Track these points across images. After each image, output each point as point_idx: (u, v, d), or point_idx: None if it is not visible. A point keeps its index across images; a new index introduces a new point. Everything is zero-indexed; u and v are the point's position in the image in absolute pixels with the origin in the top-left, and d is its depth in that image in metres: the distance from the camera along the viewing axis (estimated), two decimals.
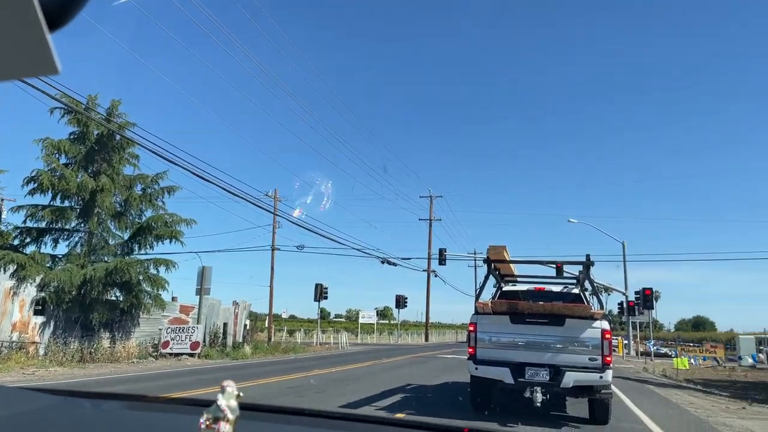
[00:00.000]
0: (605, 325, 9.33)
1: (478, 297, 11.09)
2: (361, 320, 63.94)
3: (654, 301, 33.58)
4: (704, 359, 33.79)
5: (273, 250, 38.34)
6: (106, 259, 21.16)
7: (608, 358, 9.14)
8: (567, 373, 9.07)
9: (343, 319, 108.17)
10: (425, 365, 22.58)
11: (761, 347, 37.72)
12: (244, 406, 2.31)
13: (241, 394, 1.47)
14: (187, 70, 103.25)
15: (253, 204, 24.07)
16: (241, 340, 26.44)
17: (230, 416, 1.39)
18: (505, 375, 9.31)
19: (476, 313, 9.97)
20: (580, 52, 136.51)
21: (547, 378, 9.17)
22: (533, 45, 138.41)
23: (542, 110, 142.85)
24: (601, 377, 9.04)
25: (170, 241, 22.35)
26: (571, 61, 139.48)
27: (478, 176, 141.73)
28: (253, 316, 36.05)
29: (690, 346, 44.99)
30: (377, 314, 73.73)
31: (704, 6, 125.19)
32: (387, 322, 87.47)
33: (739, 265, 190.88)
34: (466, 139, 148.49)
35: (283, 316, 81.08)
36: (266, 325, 40.21)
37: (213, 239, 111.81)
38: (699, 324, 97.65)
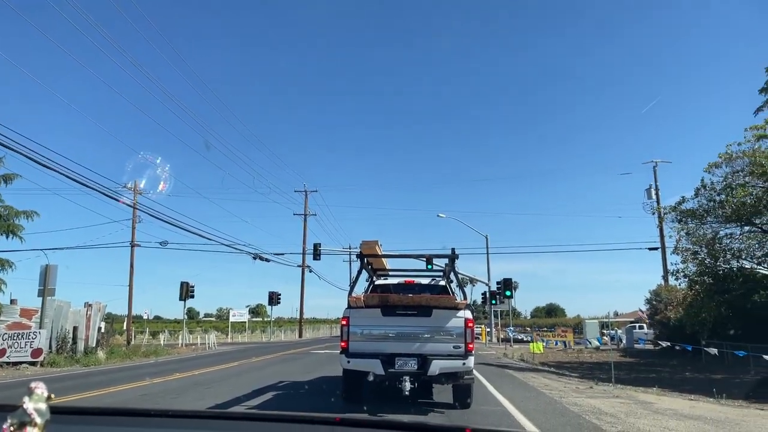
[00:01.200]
0: (468, 314, 9.79)
1: (351, 291, 11.17)
2: (231, 319, 62.11)
3: (513, 291, 36.14)
4: (556, 343, 37.04)
5: (132, 246, 35.86)
6: None
7: (471, 346, 9.62)
8: (433, 361, 9.39)
9: (213, 319, 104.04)
10: (298, 362, 22.31)
11: (604, 330, 42.13)
12: (105, 411, 2.04)
13: (53, 396, 1.26)
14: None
15: (108, 197, 22.21)
16: (94, 345, 24.28)
17: (38, 421, 1.21)
18: (375, 366, 9.43)
19: (349, 307, 10.01)
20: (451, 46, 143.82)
21: (416, 367, 9.43)
22: (401, 40, 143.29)
23: (422, 110, 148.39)
24: (464, 364, 9.48)
25: (7, 237, 19.94)
26: (445, 60, 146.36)
27: (354, 172, 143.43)
28: (110, 319, 33.31)
29: (544, 331, 49.15)
30: (250, 312, 71.85)
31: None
32: (260, 319, 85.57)
33: (586, 256, 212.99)
34: (341, 134, 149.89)
35: (145, 318, 76.24)
36: (125, 328, 37.47)
37: (64, 235, 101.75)
38: (552, 311, 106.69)
